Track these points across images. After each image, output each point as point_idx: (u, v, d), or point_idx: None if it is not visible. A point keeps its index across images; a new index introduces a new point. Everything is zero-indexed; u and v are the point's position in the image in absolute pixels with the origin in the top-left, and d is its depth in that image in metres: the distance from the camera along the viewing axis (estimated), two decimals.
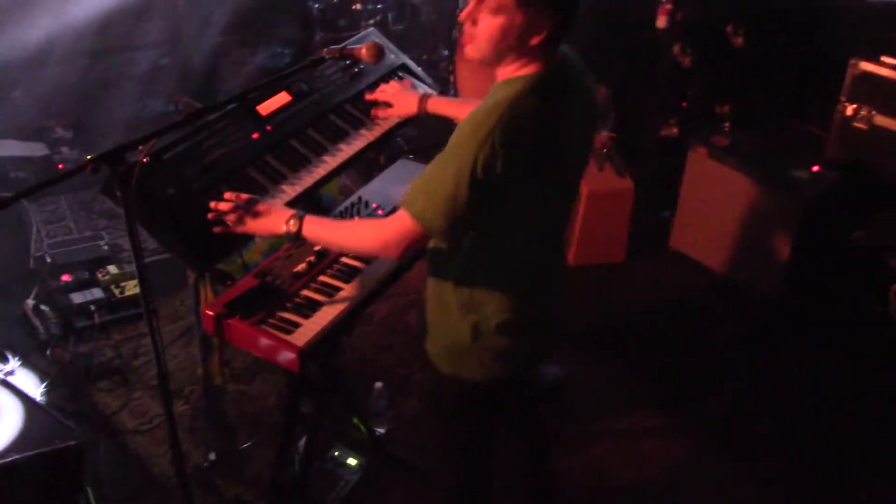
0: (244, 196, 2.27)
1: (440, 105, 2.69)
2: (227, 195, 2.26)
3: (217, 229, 2.26)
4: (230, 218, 2.24)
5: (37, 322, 3.81)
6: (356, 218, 2.44)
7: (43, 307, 3.86)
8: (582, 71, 2.18)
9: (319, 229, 2.20)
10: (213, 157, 2.37)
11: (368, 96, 2.80)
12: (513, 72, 2.04)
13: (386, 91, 2.79)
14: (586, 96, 2.19)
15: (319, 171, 2.54)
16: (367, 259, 2.54)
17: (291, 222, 2.19)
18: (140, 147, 2.10)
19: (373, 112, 2.79)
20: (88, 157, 4.69)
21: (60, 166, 4.78)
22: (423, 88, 2.85)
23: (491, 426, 2.50)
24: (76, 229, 4.49)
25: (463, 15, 2.03)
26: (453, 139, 2.00)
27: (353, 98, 2.78)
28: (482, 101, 2.04)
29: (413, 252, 2.13)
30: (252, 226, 2.25)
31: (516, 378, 2.43)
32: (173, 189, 2.26)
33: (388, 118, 2.78)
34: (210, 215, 2.25)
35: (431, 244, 2.25)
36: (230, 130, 2.46)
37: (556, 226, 2.32)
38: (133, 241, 2.09)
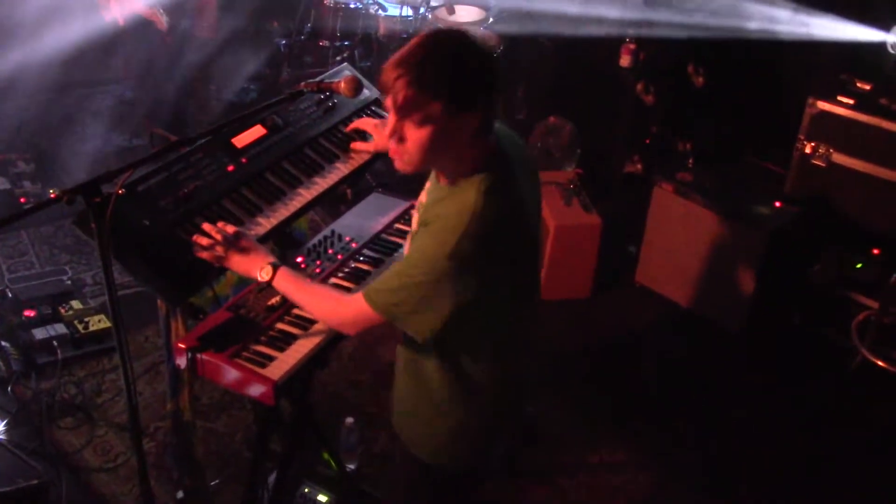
0: (230, 229, 2.27)
1: None
2: (206, 226, 2.25)
3: (201, 254, 2.26)
4: (217, 251, 2.24)
5: None
6: (323, 286, 2.33)
7: (4, 343, 3.78)
8: (513, 138, 2.17)
9: (289, 286, 2.23)
10: (188, 190, 2.36)
11: (348, 128, 2.81)
12: (458, 174, 2.01)
13: (366, 124, 2.81)
14: (526, 164, 2.18)
15: (295, 204, 2.54)
16: (341, 291, 2.53)
17: (266, 271, 2.22)
18: (115, 179, 2.08)
19: (353, 145, 2.79)
20: (51, 190, 4.62)
21: (22, 200, 4.71)
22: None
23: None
24: (38, 264, 4.41)
25: (387, 132, 1.96)
26: (420, 249, 1.99)
27: (328, 132, 2.78)
28: (442, 205, 2.00)
29: (368, 331, 2.14)
30: (230, 263, 2.26)
31: (487, 457, 2.39)
32: (148, 221, 2.24)
33: (363, 152, 2.79)
34: (196, 251, 2.25)
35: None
36: (205, 163, 2.45)
37: (531, 292, 2.29)
38: (107, 273, 2.06)
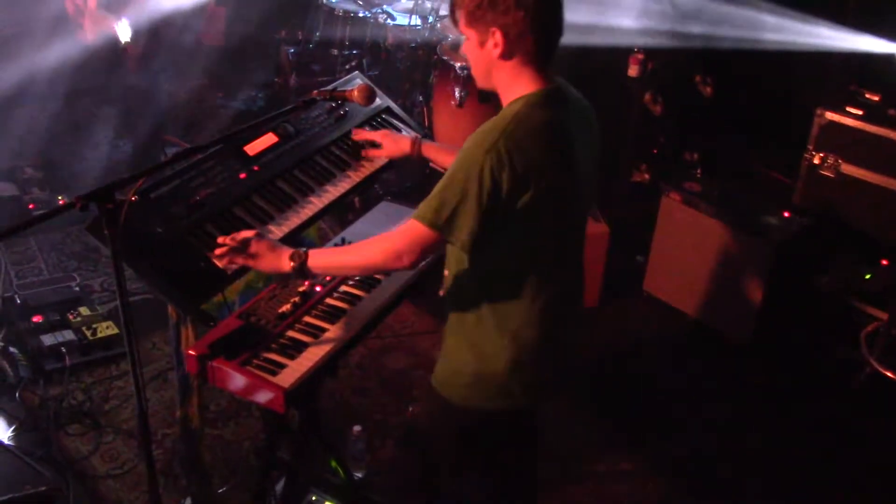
0: (240, 236, 2.27)
1: (434, 150, 2.71)
2: (221, 240, 2.26)
3: (224, 265, 2.28)
4: (237, 260, 2.26)
5: (5, 364, 3.73)
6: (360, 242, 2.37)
7: (12, 349, 3.78)
8: (580, 97, 2.26)
9: (326, 258, 2.26)
10: (200, 197, 2.37)
11: (356, 136, 2.81)
12: (513, 93, 2.13)
13: (373, 132, 2.82)
14: (587, 117, 2.25)
15: (306, 212, 2.55)
16: (351, 300, 2.54)
17: (295, 258, 2.22)
18: (128, 186, 2.09)
19: (364, 152, 2.80)
20: (60, 197, 4.63)
21: (31, 206, 4.72)
22: (411, 133, 2.88)
23: (477, 466, 2.50)
24: (47, 270, 4.42)
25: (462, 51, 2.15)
26: (461, 153, 2.06)
27: (339, 140, 2.79)
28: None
29: (424, 259, 2.15)
30: (258, 263, 2.27)
31: (522, 410, 2.46)
32: (161, 228, 2.25)
33: (375, 159, 2.80)
34: (219, 263, 2.28)
35: (451, 274, 2.28)
36: (217, 170, 2.47)
37: (573, 253, 2.33)
38: (119, 279, 2.06)
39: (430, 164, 2.77)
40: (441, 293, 2.38)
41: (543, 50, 2.10)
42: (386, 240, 2.17)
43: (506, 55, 2.09)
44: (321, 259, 2.24)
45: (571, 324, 2.39)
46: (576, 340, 2.47)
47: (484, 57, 2.12)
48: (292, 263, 2.22)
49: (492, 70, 2.14)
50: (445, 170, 2.12)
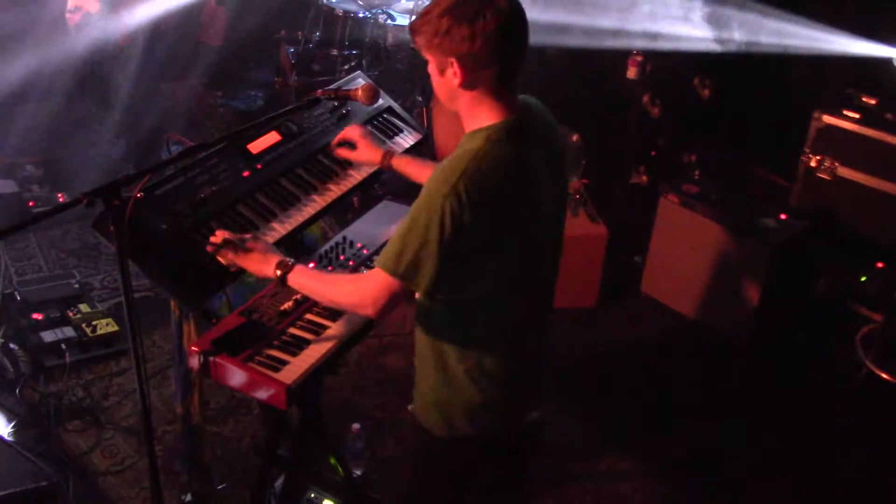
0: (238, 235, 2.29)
1: (403, 163, 2.65)
2: (219, 233, 2.27)
3: (218, 257, 2.28)
4: (228, 254, 2.26)
5: (5, 361, 3.74)
6: (337, 272, 2.39)
7: (12, 346, 3.80)
8: (546, 121, 2.21)
9: (304, 279, 2.23)
10: (204, 194, 2.39)
11: (335, 140, 2.73)
12: (474, 124, 2.08)
13: (353, 132, 2.73)
14: (550, 145, 2.19)
15: (308, 211, 2.57)
16: None
17: (281, 268, 2.23)
18: (133, 183, 2.11)
19: (338, 151, 2.73)
20: (59, 194, 4.61)
21: (31, 203, 4.73)
22: (388, 144, 2.84)
23: (469, 488, 2.48)
24: (46, 267, 4.43)
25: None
26: (422, 194, 2.02)
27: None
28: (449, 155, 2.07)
29: (390, 309, 2.11)
30: (246, 263, 2.28)
31: (504, 433, 2.40)
32: (165, 225, 2.26)
33: (347, 159, 2.76)
34: (209, 248, 2.28)
35: (417, 303, 2.24)
36: (221, 168, 2.48)
37: (540, 278, 2.28)
38: (123, 276, 2.08)
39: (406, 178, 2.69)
40: None
41: (504, 80, 2.04)
42: (356, 283, 2.16)
43: (465, 85, 2.03)
44: (300, 278, 2.23)
45: (538, 349, 2.36)
46: (547, 362, 2.43)
47: (444, 84, 2.07)
48: (278, 272, 2.23)
49: (453, 98, 2.09)
50: (420, 184, 2.09)
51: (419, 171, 2.59)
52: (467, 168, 1.97)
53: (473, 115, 2.08)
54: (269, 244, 2.34)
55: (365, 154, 2.69)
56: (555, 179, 2.21)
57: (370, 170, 2.79)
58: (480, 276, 2.08)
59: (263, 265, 2.27)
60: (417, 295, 2.17)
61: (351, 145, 2.73)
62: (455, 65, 2.00)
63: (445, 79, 2.05)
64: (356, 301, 2.14)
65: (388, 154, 2.66)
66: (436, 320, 2.20)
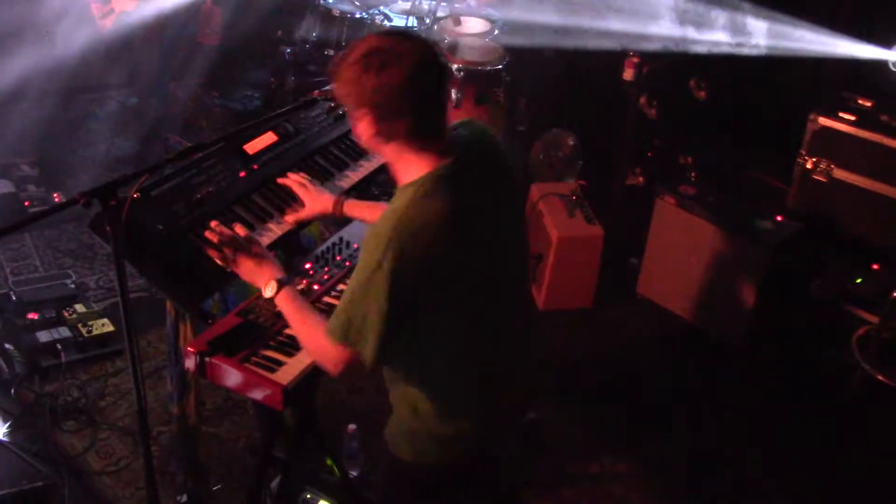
0: (241, 231, 2.29)
1: (355, 208, 2.59)
2: (214, 224, 2.28)
3: (210, 252, 2.28)
4: (226, 251, 2.26)
5: (1, 361, 3.73)
6: (321, 319, 2.18)
7: (7, 346, 3.78)
8: (483, 149, 2.13)
9: (288, 308, 2.19)
10: (201, 195, 2.39)
11: (280, 180, 2.64)
12: (402, 178, 2.02)
13: (295, 184, 2.63)
14: (492, 172, 2.12)
15: (300, 216, 2.56)
16: None
17: (271, 287, 2.20)
18: (130, 183, 2.11)
19: (287, 211, 2.62)
20: (55, 194, 4.60)
21: (27, 203, 4.72)
22: (338, 189, 2.75)
23: None
24: (42, 267, 4.42)
25: None
26: (361, 256, 1.98)
27: (338, 140, 2.81)
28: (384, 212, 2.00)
29: (353, 373, 2.05)
30: (239, 268, 2.27)
31: (476, 460, 2.32)
32: (162, 225, 2.26)
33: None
34: (207, 249, 2.28)
35: None
36: (218, 169, 2.49)
37: (503, 304, 2.19)
38: (120, 276, 2.08)
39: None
40: None
41: (423, 129, 1.97)
42: (323, 343, 2.06)
43: (381, 136, 1.97)
44: (286, 305, 2.19)
45: (511, 372, 2.28)
46: (525, 379, 2.36)
47: (362, 135, 2.00)
48: (268, 293, 2.20)
49: (374, 148, 2.05)
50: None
51: (372, 213, 2.54)
52: (399, 227, 1.90)
53: (399, 168, 2.02)
54: (266, 251, 2.32)
55: (315, 205, 2.59)
56: (502, 203, 2.13)
57: (366, 171, 2.80)
58: (429, 321, 2.02)
59: (257, 276, 2.25)
60: None
61: (299, 205, 2.62)
62: (368, 115, 1.95)
63: (362, 129, 1.99)
64: (319, 359, 2.11)
65: (339, 202, 2.57)
66: (397, 364, 2.16)
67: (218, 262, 2.29)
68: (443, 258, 1.94)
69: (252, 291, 2.50)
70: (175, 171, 2.41)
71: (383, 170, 2.87)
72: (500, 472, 2.51)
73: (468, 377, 2.16)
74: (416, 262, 1.90)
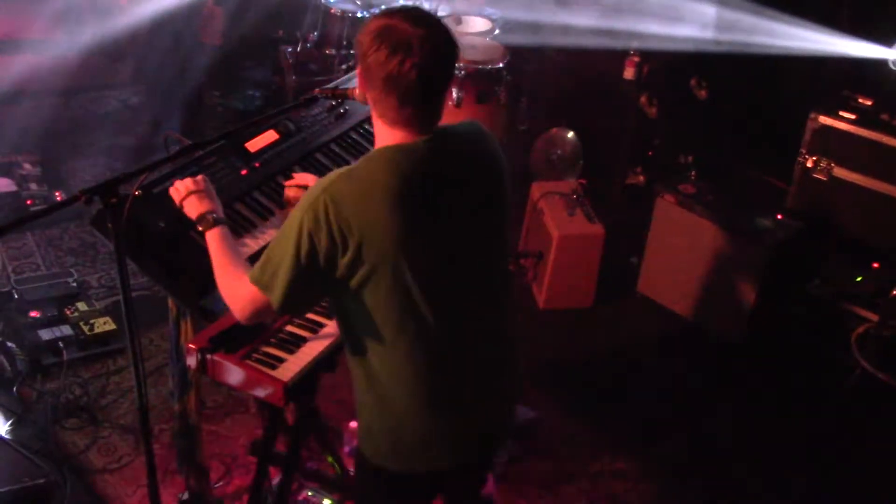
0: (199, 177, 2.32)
1: None
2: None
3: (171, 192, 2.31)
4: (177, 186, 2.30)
5: (3, 359, 3.74)
6: (240, 263, 2.18)
7: (9, 344, 3.79)
8: (469, 146, 2.11)
9: (212, 246, 2.19)
10: None
11: (287, 182, 2.60)
12: (377, 143, 2.04)
13: (306, 179, 2.58)
14: (466, 171, 2.07)
15: None
16: None
17: (206, 221, 2.22)
18: (131, 181, 2.12)
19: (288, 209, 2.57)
20: (57, 192, 4.59)
21: (28, 202, 4.73)
22: None
23: None
24: (44, 266, 4.43)
25: None
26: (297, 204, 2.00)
27: (339, 137, 2.82)
28: None
29: (257, 318, 2.09)
30: (186, 201, 2.28)
31: (441, 474, 2.25)
32: (163, 223, 2.27)
33: None
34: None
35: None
36: (219, 166, 2.50)
37: (463, 310, 2.09)
38: (122, 273, 2.09)
39: None
40: None
41: (402, 110, 1.96)
42: (237, 286, 2.08)
43: (367, 101, 2.04)
44: (212, 243, 2.19)
45: (474, 386, 2.17)
46: (497, 395, 2.26)
47: (359, 88, 2.08)
48: (199, 227, 2.23)
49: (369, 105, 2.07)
50: None
51: None
52: (332, 185, 1.92)
53: (376, 135, 2.05)
54: (212, 192, 2.32)
55: None
56: (471, 199, 2.07)
57: None
58: (364, 302, 1.98)
59: (191, 208, 2.26)
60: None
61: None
62: (362, 77, 2.00)
63: (359, 84, 2.05)
64: (228, 302, 2.11)
65: None
66: (353, 350, 2.12)
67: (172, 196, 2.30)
68: (368, 222, 1.90)
69: None
70: (176, 169, 2.42)
71: None
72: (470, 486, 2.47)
73: (418, 385, 2.08)
74: (339, 215, 1.89)
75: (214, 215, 2.23)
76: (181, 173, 2.42)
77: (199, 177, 2.33)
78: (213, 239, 2.20)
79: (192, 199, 2.27)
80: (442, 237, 2.02)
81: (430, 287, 2.00)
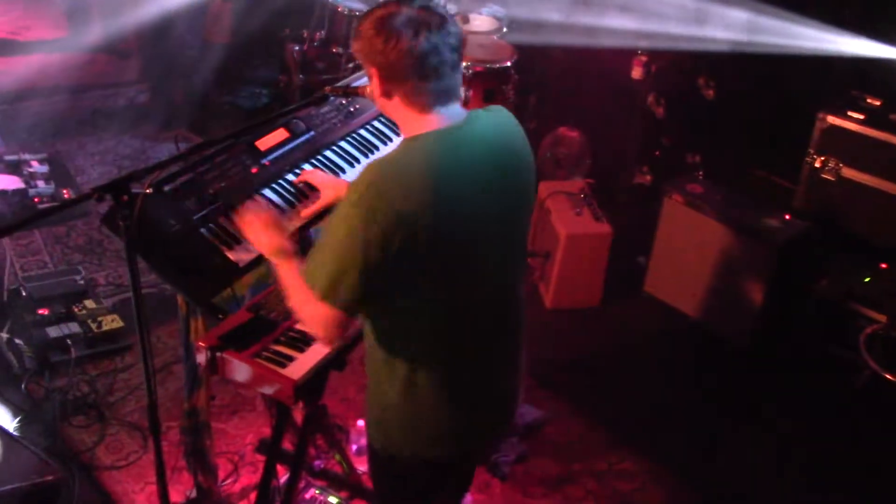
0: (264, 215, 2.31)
1: None
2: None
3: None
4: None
5: (11, 356, 3.75)
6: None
7: (17, 341, 3.80)
8: (499, 130, 2.11)
9: (289, 279, 2.14)
10: (213, 190, 2.40)
11: (297, 179, 2.68)
12: (405, 134, 2.05)
13: (314, 177, 2.66)
14: (500, 154, 2.08)
15: (316, 207, 2.57)
16: None
17: (281, 255, 2.19)
18: (142, 179, 2.12)
19: (302, 210, 2.63)
20: (64, 190, 4.59)
21: (36, 200, 4.73)
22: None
23: None
24: (51, 263, 4.44)
25: None
26: (337, 205, 1.99)
27: (349, 135, 2.82)
28: None
29: (343, 333, 2.05)
30: (245, 226, 2.30)
31: (453, 462, 2.30)
32: (174, 221, 2.28)
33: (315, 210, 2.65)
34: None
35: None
36: (230, 164, 2.50)
37: (484, 297, 2.12)
38: (132, 270, 2.09)
39: None
40: None
41: (425, 94, 1.98)
42: (308, 314, 2.06)
43: (385, 95, 2.02)
44: (288, 277, 2.15)
45: (487, 375, 2.22)
46: (504, 388, 2.29)
47: (374, 91, 2.06)
48: (274, 259, 2.20)
49: (381, 107, 2.09)
50: None
51: None
52: (374, 178, 1.91)
53: (405, 128, 2.05)
54: (278, 221, 2.31)
55: (330, 194, 2.59)
56: (500, 189, 2.07)
57: None
58: (402, 288, 1.99)
59: (262, 240, 2.25)
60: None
61: (311, 198, 2.64)
62: (376, 75, 2.00)
63: (373, 86, 2.04)
64: (313, 330, 2.10)
65: None
66: (375, 335, 2.13)
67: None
68: (413, 212, 1.89)
69: (264, 287, 2.52)
70: (188, 167, 2.42)
71: None
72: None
73: (436, 373, 2.11)
74: (389, 207, 1.87)
75: (290, 249, 2.21)
76: (192, 171, 2.42)
77: (264, 204, 2.33)
78: (290, 271, 2.15)
79: (266, 233, 2.26)
80: (477, 224, 2.03)
81: (464, 275, 2.04)
